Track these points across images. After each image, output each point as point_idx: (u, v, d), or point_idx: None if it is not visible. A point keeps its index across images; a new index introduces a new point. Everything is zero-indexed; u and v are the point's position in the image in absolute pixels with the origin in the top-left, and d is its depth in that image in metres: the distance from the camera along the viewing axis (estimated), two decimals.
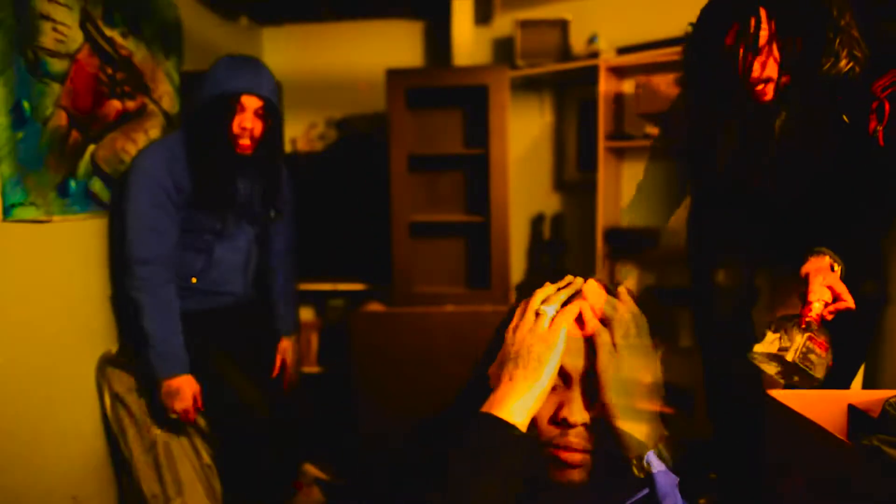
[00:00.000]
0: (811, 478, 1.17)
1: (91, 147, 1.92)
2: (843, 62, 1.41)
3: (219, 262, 2.01)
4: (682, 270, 1.84)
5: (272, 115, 1.91)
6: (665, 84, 2.55)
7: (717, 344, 1.69)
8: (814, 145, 1.49)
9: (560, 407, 0.81)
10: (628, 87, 2.84)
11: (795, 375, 1.29)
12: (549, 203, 3.17)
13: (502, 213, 2.61)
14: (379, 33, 3.30)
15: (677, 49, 2.52)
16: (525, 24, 2.87)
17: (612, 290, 0.89)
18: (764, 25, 1.39)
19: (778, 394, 1.29)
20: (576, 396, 0.81)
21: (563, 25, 2.84)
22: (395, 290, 2.65)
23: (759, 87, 1.43)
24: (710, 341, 1.72)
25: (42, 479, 1.72)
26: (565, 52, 2.85)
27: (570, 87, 3.07)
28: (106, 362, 1.96)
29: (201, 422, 1.98)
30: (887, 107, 1.37)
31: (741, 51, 1.39)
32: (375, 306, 2.70)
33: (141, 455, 1.92)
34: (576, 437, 0.80)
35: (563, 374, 0.81)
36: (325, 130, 3.31)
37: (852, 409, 1.23)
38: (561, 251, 3.10)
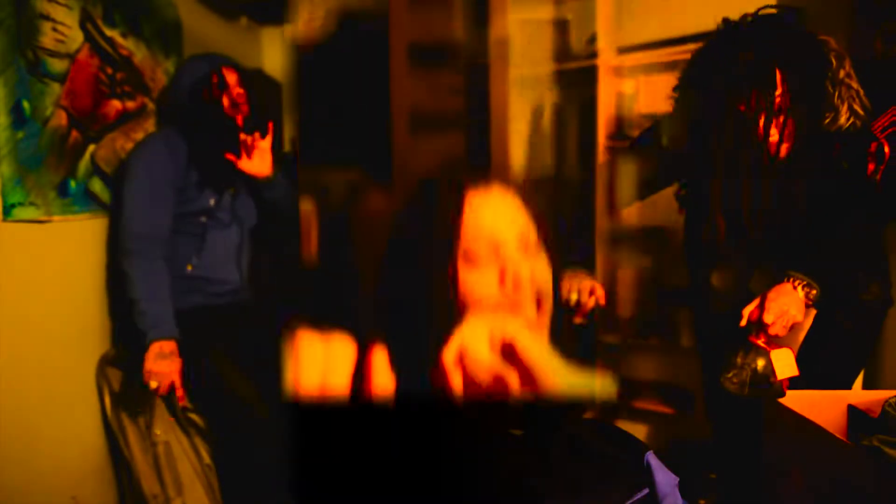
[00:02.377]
0: (811, 478, 1.17)
1: (91, 147, 1.92)
2: (843, 117, 1.39)
3: (212, 246, 2.03)
4: (682, 270, 1.84)
5: (249, 90, 2.04)
6: (665, 84, 2.54)
7: (714, 344, 1.69)
8: (813, 197, 1.47)
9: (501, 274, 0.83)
10: (628, 87, 2.84)
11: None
12: None
13: None
14: None
15: (677, 49, 2.52)
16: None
17: None
18: (779, 88, 1.36)
19: None
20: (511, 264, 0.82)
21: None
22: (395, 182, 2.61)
23: (773, 146, 1.41)
24: (708, 341, 1.72)
25: (42, 479, 1.72)
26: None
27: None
28: (106, 362, 1.96)
29: (201, 421, 1.98)
30: (887, 148, 1.34)
31: (759, 115, 1.37)
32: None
33: (141, 455, 1.92)
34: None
35: (493, 245, 0.82)
36: None
37: (852, 409, 1.23)
38: None
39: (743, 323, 1.44)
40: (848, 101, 1.39)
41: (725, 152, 1.44)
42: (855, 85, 1.40)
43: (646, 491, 0.86)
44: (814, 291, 1.43)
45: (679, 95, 1.60)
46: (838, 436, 1.10)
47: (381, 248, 2.42)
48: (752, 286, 1.73)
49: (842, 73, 1.39)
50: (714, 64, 1.46)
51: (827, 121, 1.40)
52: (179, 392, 1.85)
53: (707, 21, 2.42)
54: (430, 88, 2.66)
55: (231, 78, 2.00)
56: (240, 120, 1.99)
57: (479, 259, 0.81)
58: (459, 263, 0.81)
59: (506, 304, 0.79)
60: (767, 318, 1.40)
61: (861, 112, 1.39)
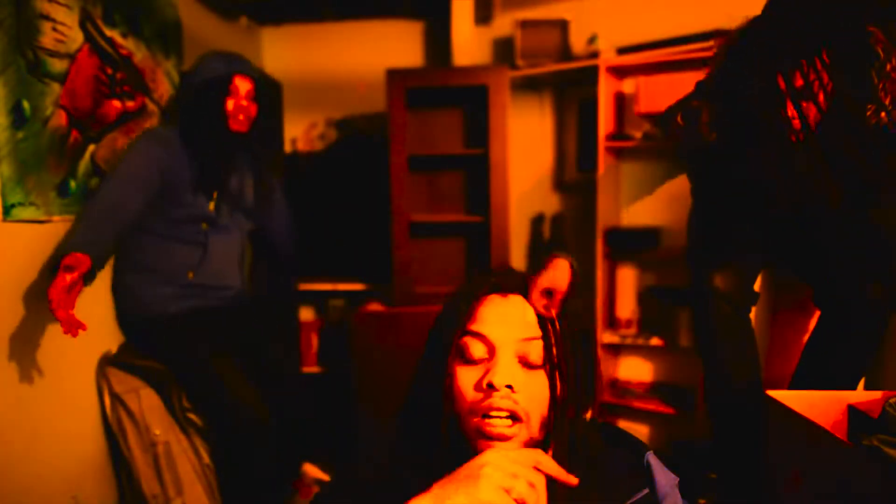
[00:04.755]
0: (811, 478, 1.17)
1: (91, 147, 1.92)
2: (883, 113, 1.33)
3: (214, 254, 2.03)
4: (682, 270, 1.84)
5: (261, 100, 2.06)
6: (665, 84, 2.55)
7: (716, 344, 1.69)
8: (840, 185, 1.44)
9: (485, 374, 0.81)
10: (628, 87, 2.84)
11: None
12: (549, 203, 3.17)
13: (502, 212, 2.61)
14: (379, 33, 3.29)
15: (678, 49, 2.52)
16: (525, 24, 2.87)
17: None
18: (822, 70, 1.34)
19: (778, 394, 1.29)
20: (502, 361, 0.81)
21: (563, 25, 2.84)
22: (395, 290, 2.65)
23: (798, 124, 1.39)
24: (709, 342, 1.71)
25: (42, 479, 1.72)
26: (565, 52, 2.84)
27: (570, 87, 3.06)
28: (106, 362, 1.96)
29: (201, 422, 1.98)
30: None
31: (794, 93, 1.34)
32: (376, 306, 2.70)
33: (141, 455, 1.92)
34: (501, 399, 0.79)
35: (489, 345, 0.83)
36: (325, 130, 3.30)
37: (852, 409, 1.23)
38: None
39: None
40: (892, 96, 1.32)
41: (758, 122, 1.41)
42: None
43: (646, 491, 0.86)
44: None
45: (715, 73, 1.55)
46: (838, 436, 1.10)
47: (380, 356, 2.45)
48: (756, 286, 1.73)
49: (889, 66, 1.32)
50: (760, 38, 1.42)
51: (869, 113, 1.34)
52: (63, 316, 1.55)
53: (706, 21, 2.43)
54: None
55: (244, 87, 2.00)
56: (237, 124, 1.99)
57: (473, 358, 0.83)
58: (457, 361, 0.84)
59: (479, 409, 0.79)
60: None
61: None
